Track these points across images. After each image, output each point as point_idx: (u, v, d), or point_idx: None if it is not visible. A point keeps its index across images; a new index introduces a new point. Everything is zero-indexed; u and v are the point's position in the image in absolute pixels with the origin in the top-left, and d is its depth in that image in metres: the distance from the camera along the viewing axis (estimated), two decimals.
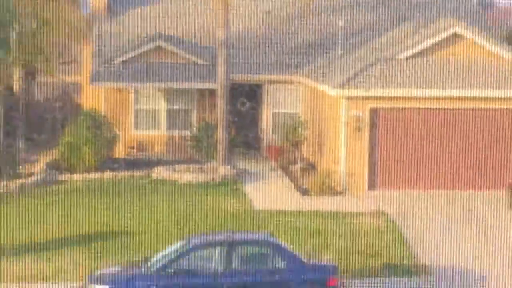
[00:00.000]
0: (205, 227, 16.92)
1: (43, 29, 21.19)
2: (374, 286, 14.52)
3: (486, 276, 14.60)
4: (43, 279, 14.46)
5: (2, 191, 18.76)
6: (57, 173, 19.69)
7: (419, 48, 20.48)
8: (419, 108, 19.46)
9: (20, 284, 14.30)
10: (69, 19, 21.73)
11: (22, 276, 14.52)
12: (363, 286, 14.46)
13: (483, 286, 14.47)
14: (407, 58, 20.36)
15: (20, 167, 19.78)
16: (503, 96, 18.83)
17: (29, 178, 19.39)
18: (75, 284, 13.86)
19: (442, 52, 20.34)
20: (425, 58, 20.18)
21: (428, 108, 19.36)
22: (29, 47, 20.97)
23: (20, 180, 19.14)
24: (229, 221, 17.46)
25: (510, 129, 18.24)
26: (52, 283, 14.24)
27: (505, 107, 18.78)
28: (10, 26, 20.97)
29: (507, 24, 23.61)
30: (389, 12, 22.11)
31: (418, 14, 21.97)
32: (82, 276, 14.05)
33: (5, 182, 18.92)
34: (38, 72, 22.33)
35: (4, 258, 15.07)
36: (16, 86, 21.81)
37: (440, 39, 20.51)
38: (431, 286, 14.86)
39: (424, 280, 14.95)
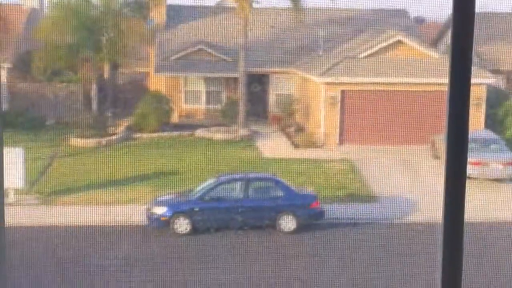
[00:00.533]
0: (229, 168, 17.06)
1: (123, 36, 21.18)
2: (340, 209, 14.65)
3: (417, 202, 14.69)
4: (122, 203, 14.66)
5: (96, 145, 18.94)
6: (132, 133, 19.82)
7: (373, 50, 20.47)
8: (373, 90, 19.47)
9: (107, 207, 14.47)
10: (139, 30, 21.71)
11: (107, 201, 14.71)
12: (333, 209, 14.59)
13: (414, 209, 14.56)
14: (365, 57, 20.39)
15: (108, 128, 19.89)
16: (429, 82, 18.81)
17: (114, 136, 19.53)
18: (144, 207, 14.06)
19: (389, 53, 20.29)
20: (377, 57, 20.18)
21: (378, 90, 19.37)
22: (113, 49, 20.96)
23: (108, 137, 19.29)
24: (245, 164, 17.59)
25: (432, 104, 18.20)
26: (128, 206, 14.44)
27: (431, 89, 18.75)
28: (99, 35, 20.98)
29: (432, 34, 23.47)
30: (353, 25, 22.00)
31: (372, 27, 21.86)
32: (148, 202, 14.25)
33: (98, 138, 19.06)
34: (120, 65, 22.36)
35: (94, 189, 15.26)
36: (105, 75, 21.86)
37: (388, 44, 20.44)
38: (380, 208, 14.98)
39: (374, 204, 15.07)
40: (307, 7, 21.84)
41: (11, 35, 21.09)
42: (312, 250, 13.05)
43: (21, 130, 18.48)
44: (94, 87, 20.75)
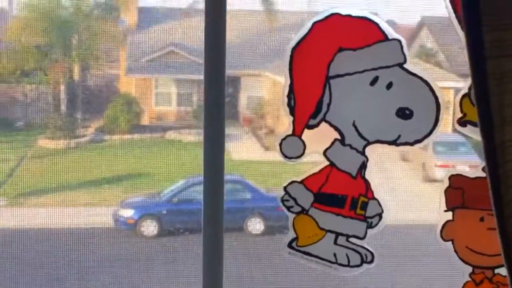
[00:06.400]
0: (199, 170, 17.10)
1: (93, 37, 21.06)
2: None
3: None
4: (90, 205, 14.63)
5: (65, 147, 18.82)
6: (102, 134, 19.71)
7: None
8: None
9: (74, 209, 14.44)
10: (110, 31, 21.59)
11: (77, 203, 14.67)
12: None
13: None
14: None
15: (78, 130, 19.77)
16: None
17: (84, 138, 19.41)
18: (110, 209, 14.05)
19: None
20: None
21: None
22: (83, 50, 20.83)
23: (77, 139, 19.18)
24: None
25: None
26: (94, 208, 14.42)
27: None
28: (70, 36, 20.84)
29: (404, 37, 23.70)
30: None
31: None
32: (115, 204, 14.22)
33: (68, 140, 18.93)
34: (91, 67, 22.20)
35: (63, 190, 15.23)
36: (76, 76, 21.70)
37: None
38: None
39: None
40: (280, 10, 21.93)
41: None
42: (278, 252, 13.08)
43: None
44: (63, 88, 20.59)
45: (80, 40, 21.10)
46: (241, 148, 19.33)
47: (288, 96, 2.62)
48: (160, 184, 15.53)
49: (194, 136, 20.08)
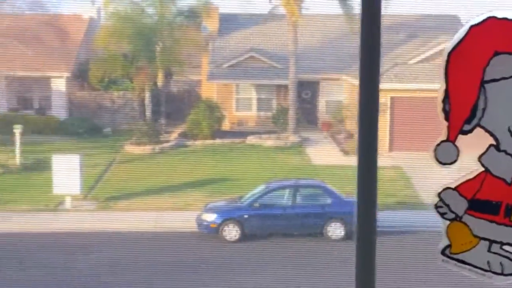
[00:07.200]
0: (279, 175, 17.16)
1: (177, 44, 21.56)
2: (390, 217, 14.53)
3: None
4: (173, 209, 14.92)
5: (151, 152, 19.31)
6: (185, 140, 20.11)
7: (424, 56, 20.22)
8: (423, 97, 19.23)
9: (161, 213, 14.77)
10: (192, 38, 22.04)
11: (162, 207, 15.01)
12: (383, 216, 14.53)
13: None
14: (415, 63, 20.18)
15: (162, 135, 20.26)
16: None
17: (168, 143, 19.87)
18: (195, 213, 14.29)
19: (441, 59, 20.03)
20: (428, 63, 19.95)
21: (429, 97, 19.13)
22: (167, 57, 21.35)
23: (162, 144, 19.65)
24: (295, 171, 17.66)
25: None
26: (178, 212, 14.69)
27: None
28: (154, 43, 21.42)
29: None
30: (404, 31, 21.87)
31: (424, 33, 21.67)
32: (198, 208, 14.47)
33: (153, 145, 19.42)
34: (174, 73, 22.72)
35: (148, 194, 15.56)
36: (159, 83, 22.25)
37: (439, 50, 19.97)
38: (430, 217, 14.85)
39: (424, 213, 14.89)
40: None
41: (71, 45, 21.73)
42: None
43: (80, 138, 19.05)
44: (148, 95, 21.17)
45: (163, 47, 21.64)
46: (320, 153, 19.35)
47: (443, 101, 2.58)
48: (242, 189, 15.72)
49: (274, 141, 20.27)
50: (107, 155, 18.45)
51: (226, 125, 21.71)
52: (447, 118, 2.49)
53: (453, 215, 2.54)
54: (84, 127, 19.68)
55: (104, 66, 20.70)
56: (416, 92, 19.61)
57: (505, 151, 2.46)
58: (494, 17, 2.43)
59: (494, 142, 2.43)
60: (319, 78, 22.62)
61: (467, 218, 2.52)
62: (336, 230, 13.73)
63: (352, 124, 22.90)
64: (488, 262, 2.51)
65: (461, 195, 2.56)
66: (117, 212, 14.66)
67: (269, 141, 20.24)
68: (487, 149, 2.47)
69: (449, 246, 2.55)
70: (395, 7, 23.22)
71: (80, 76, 21.33)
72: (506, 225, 2.50)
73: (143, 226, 13.93)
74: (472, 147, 2.53)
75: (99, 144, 18.89)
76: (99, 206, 15.11)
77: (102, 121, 20.56)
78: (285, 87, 22.38)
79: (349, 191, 15.35)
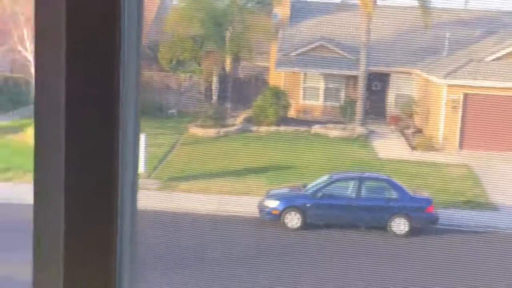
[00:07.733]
0: (344, 166, 16.90)
1: (247, 31, 21.46)
2: (457, 216, 14.15)
3: None
4: (234, 194, 14.84)
5: (215, 135, 19.35)
6: (250, 125, 20.06)
7: (502, 53, 19.51)
8: (498, 95, 18.65)
9: (221, 196, 14.73)
10: (263, 25, 21.89)
11: (220, 190, 14.95)
12: (449, 215, 14.11)
13: None
14: (492, 61, 19.50)
15: (227, 119, 20.25)
16: None
17: (232, 127, 19.85)
18: (256, 199, 14.18)
19: None
20: (506, 61, 19.27)
21: (505, 95, 18.54)
22: (236, 43, 21.29)
23: (226, 128, 19.64)
24: (360, 164, 17.36)
25: None
26: (242, 197, 14.63)
27: None
28: (224, 28, 21.36)
29: None
30: (482, 27, 21.15)
31: (503, 29, 20.94)
32: (259, 194, 14.35)
33: (217, 129, 19.44)
34: (242, 59, 22.65)
35: (210, 178, 15.53)
36: (227, 68, 22.21)
37: None
38: (501, 217, 14.30)
39: (494, 213, 14.40)
40: (435, 7, 21.21)
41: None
42: (427, 255, 12.67)
43: (146, 118, 19.17)
44: (215, 79, 21.15)
45: (233, 32, 21.56)
46: (387, 147, 18.95)
47: None
48: (305, 178, 15.51)
49: (340, 132, 19.96)
50: (171, 136, 18.50)
51: (292, 113, 21.49)
52: None
53: None
54: (150, 107, 19.80)
55: (173, 48, 20.76)
56: (491, 90, 19.00)
57: None
58: None
59: None
60: (390, 71, 22.16)
61: None
62: (400, 225, 13.40)
63: (421, 120, 22.40)
64: None
65: None
66: (178, 193, 14.68)
67: (334, 131, 19.94)
68: None
69: None
70: (475, 2, 22.60)
71: (148, 56, 21.45)
72: None
73: (203, 208, 13.89)
74: None
75: (162, 124, 18.96)
76: (161, 186, 15.15)
77: (167, 103, 20.64)
78: (354, 78, 21.99)
79: (415, 187, 14.96)
